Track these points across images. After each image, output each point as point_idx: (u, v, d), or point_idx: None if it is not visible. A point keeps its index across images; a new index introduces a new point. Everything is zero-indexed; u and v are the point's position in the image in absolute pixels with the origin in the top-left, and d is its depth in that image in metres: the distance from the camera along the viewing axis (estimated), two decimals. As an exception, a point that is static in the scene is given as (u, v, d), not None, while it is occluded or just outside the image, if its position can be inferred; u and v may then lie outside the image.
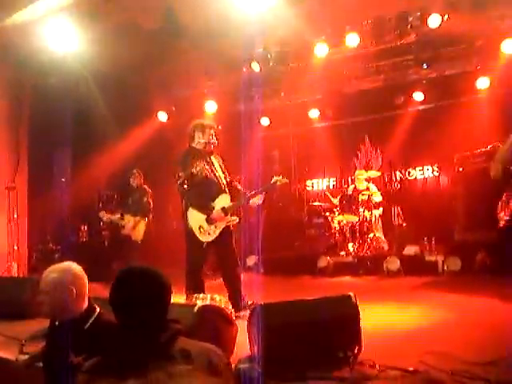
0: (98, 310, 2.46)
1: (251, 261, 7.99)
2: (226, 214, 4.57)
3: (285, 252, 8.26)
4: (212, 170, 4.64)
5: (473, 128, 8.02)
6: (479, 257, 6.33)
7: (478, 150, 7.12)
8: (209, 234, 4.51)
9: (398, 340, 3.52)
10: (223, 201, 4.58)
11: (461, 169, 7.27)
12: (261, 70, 8.24)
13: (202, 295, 3.51)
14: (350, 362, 2.91)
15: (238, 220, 4.72)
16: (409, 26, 7.48)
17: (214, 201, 4.56)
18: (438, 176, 9.06)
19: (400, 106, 9.18)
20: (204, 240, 4.52)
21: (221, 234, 4.54)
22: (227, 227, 4.61)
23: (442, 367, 2.70)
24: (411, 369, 2.69)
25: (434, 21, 7.15)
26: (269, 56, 8.23)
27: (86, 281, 2.50)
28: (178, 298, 2.89)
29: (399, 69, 8.71)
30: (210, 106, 9.23)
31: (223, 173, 4.78)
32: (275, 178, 4.62)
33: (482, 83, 8.37)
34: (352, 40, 7.66)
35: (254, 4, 6.15)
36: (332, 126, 9.70)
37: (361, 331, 3.01)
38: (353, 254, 7.55)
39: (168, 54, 7.64)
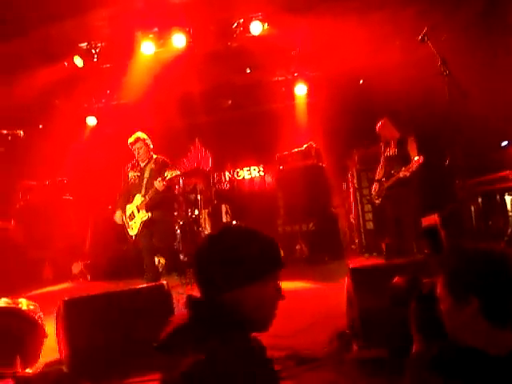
0: None
1: (77, 268, 7.47)
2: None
3: (114, 255, 7.86)
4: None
5: (292, 130, 8.72)
6: (298, 247, 6.90)
7: (296, 150, 7.77)
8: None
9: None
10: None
11: (281, 167, 7.82)
12: (85, 65, 7.83)
13: (4, 299, 3.14)
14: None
15: None
16: (233, 32, 7.82)
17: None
18: (264, 176, 9.63)
19: (228, 109, 9.53)
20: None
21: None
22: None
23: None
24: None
25: (256, 28, 7.61)
26: (93, 51, 7.85)
27: None
28: None
29: (226, 73, 9.03)
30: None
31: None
32: (167, 173, 5.37)
33: (300, 90, 9.13)
34: (179, 41, 7.72)
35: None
36: (163, 127, 9.56)
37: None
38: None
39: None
